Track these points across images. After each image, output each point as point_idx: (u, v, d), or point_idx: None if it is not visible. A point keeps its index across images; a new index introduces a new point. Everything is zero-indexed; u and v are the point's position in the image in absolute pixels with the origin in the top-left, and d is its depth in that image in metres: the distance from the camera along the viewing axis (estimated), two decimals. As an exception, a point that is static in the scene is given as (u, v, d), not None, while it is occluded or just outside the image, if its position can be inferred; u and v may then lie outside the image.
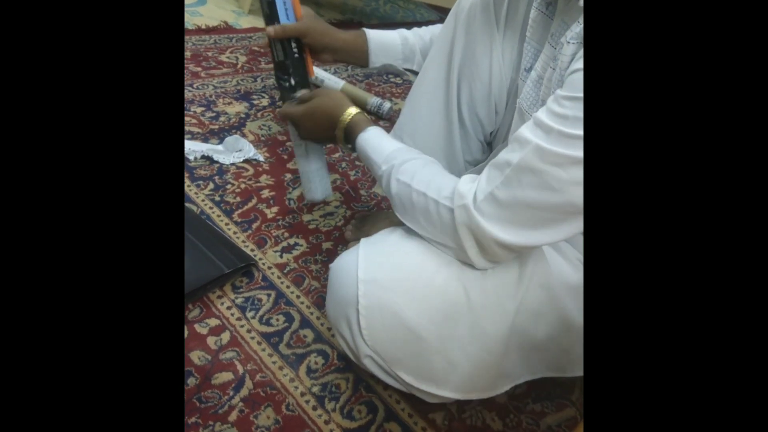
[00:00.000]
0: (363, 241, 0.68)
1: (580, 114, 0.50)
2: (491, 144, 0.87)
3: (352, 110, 0.75)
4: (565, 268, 0.69)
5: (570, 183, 0.52)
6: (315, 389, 0.73)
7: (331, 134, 0.76)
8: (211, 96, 1.28)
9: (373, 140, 0.71)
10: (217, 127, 1.19)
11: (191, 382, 0.70)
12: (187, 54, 1.42)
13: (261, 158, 1.12)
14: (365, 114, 0.76)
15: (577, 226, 0.56)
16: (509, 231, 0.56)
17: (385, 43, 0.88)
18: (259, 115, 1.26)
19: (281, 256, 0.92)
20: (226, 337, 0.77)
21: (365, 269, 0.64)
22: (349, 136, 0.74)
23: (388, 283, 0.63)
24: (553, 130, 0.51)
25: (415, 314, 0.62)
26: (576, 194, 0.52)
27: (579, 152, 0.50)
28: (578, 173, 0.51)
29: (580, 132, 0.50)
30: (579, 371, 0.75)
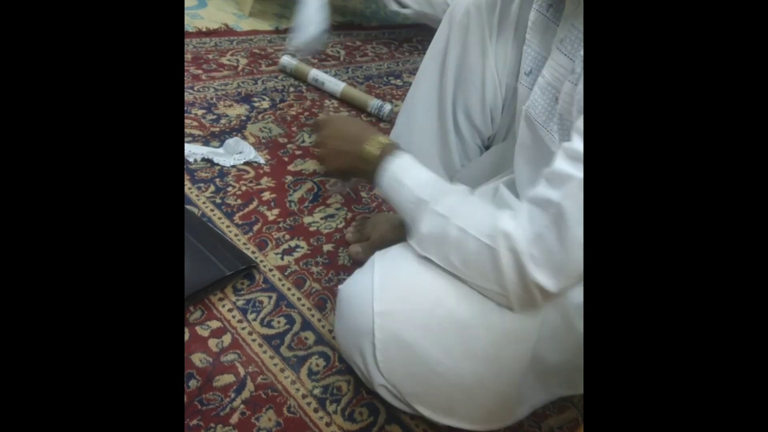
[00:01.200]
0: (377, 266, 0.64)
1: None
2: (488, 148, 0.87)
3: (384, 138, 0.70)
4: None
5: None
6: (316, 391, 0.73)
7: (359, 139, 0.70)
8: (211, 98, 1.28)
9: (412, 169, 0.66)
10: (217, 129, 1.19)
11: (192, 384, 0.70)
12: (188, 57, 1.42)
13: (262, 160, 1.12)
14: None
15: None
16: (559, 277, 0.53)
17: None
18: (259, 117, 1.26)
19: (282, 259, 0.92)
20: (227, 339, 0.77)
21: (381, 300, 0.61)
22: (380, 155, 0.69)
23: (405, 316, 0.60)
24: None
25: (433, 350, 0.60)
26: None
27: None
28: None
29: None
30: None
